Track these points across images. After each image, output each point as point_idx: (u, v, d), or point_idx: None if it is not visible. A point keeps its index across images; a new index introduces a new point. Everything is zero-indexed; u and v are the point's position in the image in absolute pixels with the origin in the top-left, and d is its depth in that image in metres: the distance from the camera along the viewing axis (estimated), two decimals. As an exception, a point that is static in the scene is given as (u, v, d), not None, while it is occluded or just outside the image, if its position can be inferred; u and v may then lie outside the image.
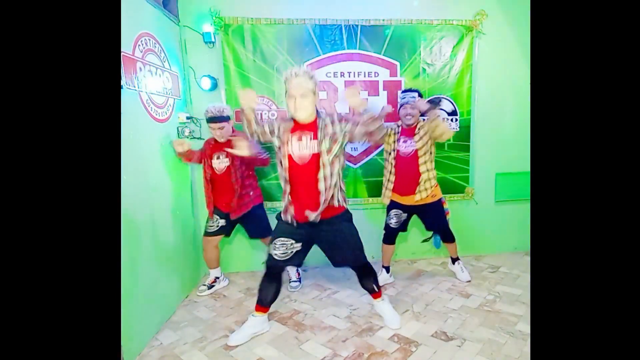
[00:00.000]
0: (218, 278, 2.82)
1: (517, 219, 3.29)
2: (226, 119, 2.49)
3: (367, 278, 2.15)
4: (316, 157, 1.85)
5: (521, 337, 2.01)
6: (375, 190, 3.09)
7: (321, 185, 1.85)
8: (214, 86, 2.84)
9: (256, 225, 2.68)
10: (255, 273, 3.05)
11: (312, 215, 1.89)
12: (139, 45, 2.14)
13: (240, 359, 1.91)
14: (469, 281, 2.78)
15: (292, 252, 1.97)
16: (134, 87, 2.05)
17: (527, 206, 3.20)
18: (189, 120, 2.73)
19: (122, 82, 1.90)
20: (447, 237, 2.73)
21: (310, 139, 1.84)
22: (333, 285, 2.81)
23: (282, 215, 2.00)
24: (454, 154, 3.15)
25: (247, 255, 3.14)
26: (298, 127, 1.87)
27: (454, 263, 2.85)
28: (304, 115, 1.83)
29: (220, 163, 2.56)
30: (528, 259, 3.22)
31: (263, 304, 2.09)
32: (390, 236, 2.70)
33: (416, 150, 2.47)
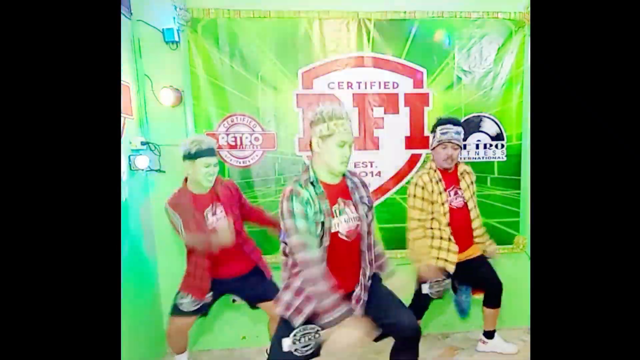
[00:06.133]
0: None
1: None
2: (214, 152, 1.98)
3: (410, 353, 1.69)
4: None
5: None
6: (395, 240, 2.50)
7: (364, 258, 1.57)
8: (178, 101, 2.38)
9: (260, 284, 2.03)
10: (233, 351, 2.55)
11: (357, 308, 1.52)
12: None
13: None
14: (517, 352, 2.43)
15: (316, 343, 1.50)
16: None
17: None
18: (144, 147, 2.28)
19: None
20: (497, 298, 2.29)
21: (353, 208, 1.55)
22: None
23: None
24: (500, 191, 2.64)
25: (219, 327, 2.56)
26: (331, 190, 1.54)
27: (490, 337, 2.43)
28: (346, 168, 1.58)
29: (218, 219, 1.93)
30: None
31: None
32: (422, 310, 2.22)
33: (465, 201, 2.21)
